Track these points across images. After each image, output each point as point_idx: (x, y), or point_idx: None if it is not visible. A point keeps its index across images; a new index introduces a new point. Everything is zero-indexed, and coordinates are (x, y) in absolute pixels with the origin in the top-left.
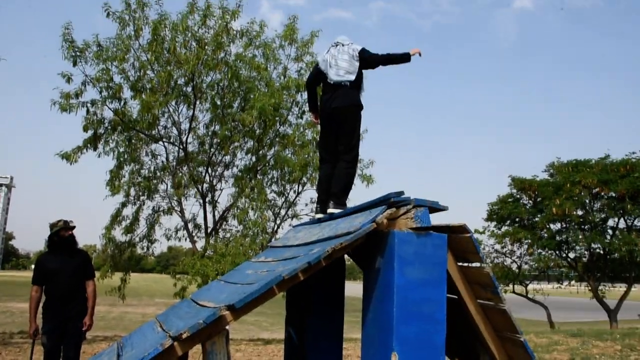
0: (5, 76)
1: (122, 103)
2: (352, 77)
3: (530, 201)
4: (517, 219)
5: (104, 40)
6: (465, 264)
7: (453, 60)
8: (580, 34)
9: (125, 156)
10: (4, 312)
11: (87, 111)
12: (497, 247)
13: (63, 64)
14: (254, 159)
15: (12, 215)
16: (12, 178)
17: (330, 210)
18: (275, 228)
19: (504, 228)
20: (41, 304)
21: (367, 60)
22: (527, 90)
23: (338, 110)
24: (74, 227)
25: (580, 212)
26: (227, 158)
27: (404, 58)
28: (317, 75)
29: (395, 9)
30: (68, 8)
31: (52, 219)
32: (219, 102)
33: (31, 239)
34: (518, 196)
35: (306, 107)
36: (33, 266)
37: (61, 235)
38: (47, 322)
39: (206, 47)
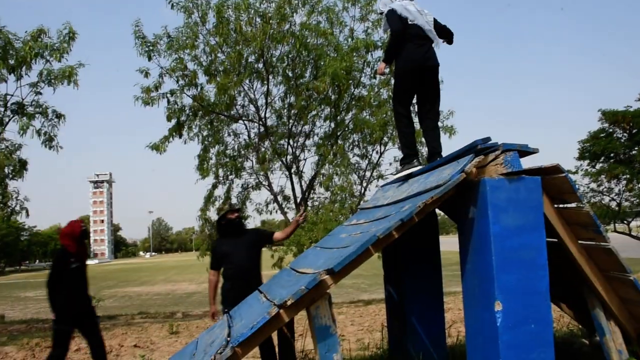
0: (93, 79)
1: (199, 89)
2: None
3: (625, 134)
4: (612, 155)
5: (173, 31)
6: (563, 205)
7: None
8: None
9: (209, 139)
10: (123, 297)
11: (168, 101)
12: (593, 185)
13: (140, 60)
14: (332, 125)
15: (115, 208)
16: (111, 174)
17: None
18: (362, 190)
19: (599, 165)
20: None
21: (443, 29)
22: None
23: (434, 68)
24: (239, 209)
25: None
26: (307, 127)
27: (452, 40)
28: (404, 24)
29: None
30: (136, 6)
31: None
32: (290, 74)
33: (135, 228)
34: (611, 130)
35: (377, 64)
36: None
37: (228, 218)
38: (228, 304)
39: (271, 21)
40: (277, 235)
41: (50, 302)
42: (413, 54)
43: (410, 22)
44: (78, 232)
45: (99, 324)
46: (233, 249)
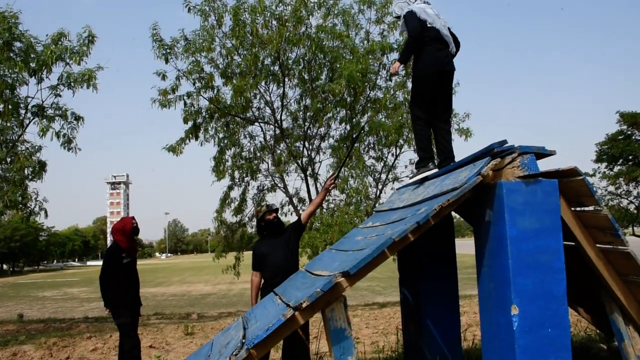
0: (111, 81)
1: (215, 91)
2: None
3: None
4: (630, 157)
5: (190, 34)
6: (580, 209)
7: None
8: None
9: (225, 141)
10: None
11: (185, 104)
12: (611, 188)
13: (157, 63)
14: (348, 127)
15: (132, 209)
16: (127, 175)
17: None
18: (378, 193)
19: (617, 168)
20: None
21: (456, 39)
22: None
23: (451, 73)
24: (277, 210)
25: None
26: (322, 130)
27: (458, 49)
28: (423, 26)
29: None
30: (153, 9)
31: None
32: (306, 76)
33: (151, 229)
34: (629, 132)
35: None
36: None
37: (266, 219)
38: None
39: (287, 23)
40: (305, 214)
41: (103, 296)
42: (433, 58)
43: (429, 25)
44: (129, 229)
45: (137, 327)
46: (271, 250)
